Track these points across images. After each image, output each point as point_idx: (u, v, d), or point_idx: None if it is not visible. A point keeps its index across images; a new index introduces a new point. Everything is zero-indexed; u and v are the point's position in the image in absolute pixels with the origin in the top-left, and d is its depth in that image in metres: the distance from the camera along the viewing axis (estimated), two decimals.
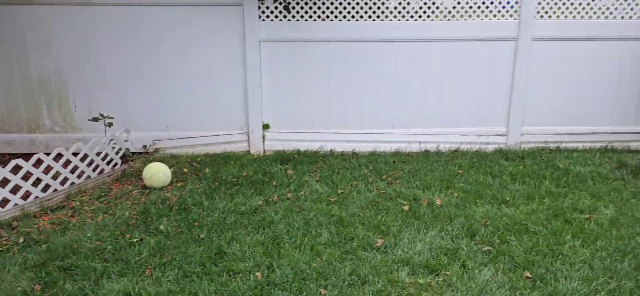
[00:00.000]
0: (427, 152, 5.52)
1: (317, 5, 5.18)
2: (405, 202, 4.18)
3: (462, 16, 5.32)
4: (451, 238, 3.58)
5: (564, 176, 4.68)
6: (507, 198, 4.23)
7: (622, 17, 5.33)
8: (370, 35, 5.28)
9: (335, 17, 5.23)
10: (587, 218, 3.86)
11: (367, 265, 3.24)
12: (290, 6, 5.16)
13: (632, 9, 5.31)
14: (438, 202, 4.17)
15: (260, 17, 5.18)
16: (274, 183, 4.63)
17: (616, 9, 5.31)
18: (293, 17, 5.21)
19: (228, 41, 5.26)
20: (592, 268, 3.18)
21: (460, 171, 4.87)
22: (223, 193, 4.41)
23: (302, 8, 5.19)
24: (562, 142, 5.60)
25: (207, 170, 4.96)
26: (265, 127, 5.52)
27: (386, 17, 5.27)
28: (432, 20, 5.30)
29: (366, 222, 3.83)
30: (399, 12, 5.25)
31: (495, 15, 5.31)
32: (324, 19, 5.24)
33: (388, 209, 4.07)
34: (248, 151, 5.56)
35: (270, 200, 4.28)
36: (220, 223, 3.86)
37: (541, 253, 3.36)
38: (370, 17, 5.25)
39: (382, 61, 5.36)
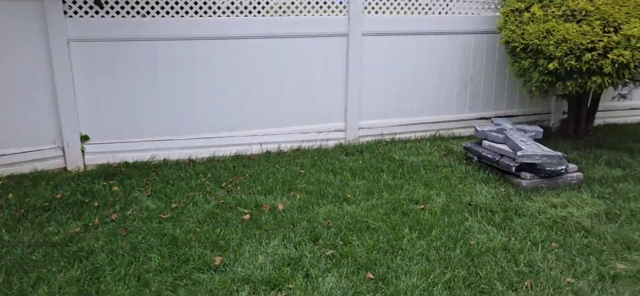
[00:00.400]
0: (268, 153, 5.32)
1: (135, 0, 4.64)
2: (246, 211, 3.92)
3: (293, 12, 5.19)
4: (294, 246, 3.40)
5: (400, 167, 4.81)
6: (349, 196, 4.20)
7: (440, 13, 5.67)
8: (198, 32, 4.89)
9: (158, 13, 4.74)
10: (422, 208, 3.97)
11: (203, 290, 2.91)
12: (103, 1, 4.54)
13: (447, 5, 5.67)
14: (280, 207, 3.98)
15: (66, 13, 4.47)
16: (96, 203, 4.03)
17: (434, 5, 5.63)
18: (107, 13, 4.60)
19: (29, 42, 4.45)
20: (429, 260, 3.23)
21: (302, 171, 4.75)
22: (30, 223, 3.71)
23: (118, 3, 4.60)
24: (396, 134, 5.81)
25: (10, 195, 4.16)
26: (84, 138, 4.83)
27: (214, 13, 4.92)
28: (263, 16, 5.09)
29: (203, 238, 3.49)
30: (228, 8, 4.94)
31: (325, 11, 5.28)
32: (144, 16, 4.72)
33: (228, 220, 3.77)
34: (65, 168, 4.81)
35: (91, 224, 3.71)
36: (24, 260, 3.21)
37: (382, 250, 3.34)
38: (197, 13, 4.85)
39: (213, 60, 5.01)
